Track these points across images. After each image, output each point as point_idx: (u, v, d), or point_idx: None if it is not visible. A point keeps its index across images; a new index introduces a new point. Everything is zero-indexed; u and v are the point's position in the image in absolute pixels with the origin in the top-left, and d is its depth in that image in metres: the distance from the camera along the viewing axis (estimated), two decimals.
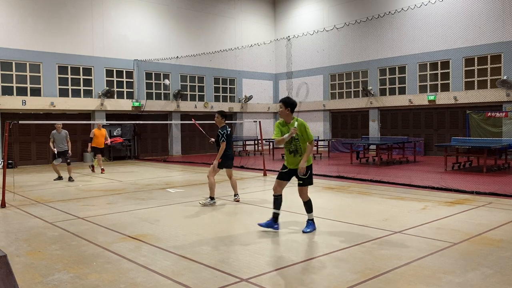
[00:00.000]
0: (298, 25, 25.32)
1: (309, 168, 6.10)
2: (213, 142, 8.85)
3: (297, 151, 6.12)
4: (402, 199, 8.82)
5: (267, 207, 8.22)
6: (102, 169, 14.86)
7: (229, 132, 8.47)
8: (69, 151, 12.99)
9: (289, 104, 6.06)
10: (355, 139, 21.16)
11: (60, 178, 13.02)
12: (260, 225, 6.33)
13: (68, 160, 12.91)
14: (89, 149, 14.69)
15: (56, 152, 12.89)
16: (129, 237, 6.12)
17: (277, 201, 6.34)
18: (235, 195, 8.92)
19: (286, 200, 8.76)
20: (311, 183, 6.22)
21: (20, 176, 14.14)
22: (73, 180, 12.77)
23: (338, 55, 23.39)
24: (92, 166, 15.19)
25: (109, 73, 20.66)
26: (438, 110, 19.94)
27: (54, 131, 12.87)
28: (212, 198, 8.47)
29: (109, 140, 15.40)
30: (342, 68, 23.39)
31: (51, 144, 12.93)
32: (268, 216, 6.54)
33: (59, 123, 12.92)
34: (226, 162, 8.51)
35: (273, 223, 6.32)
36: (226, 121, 8.70)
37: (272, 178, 12.56)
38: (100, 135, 14.80)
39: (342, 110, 23.83)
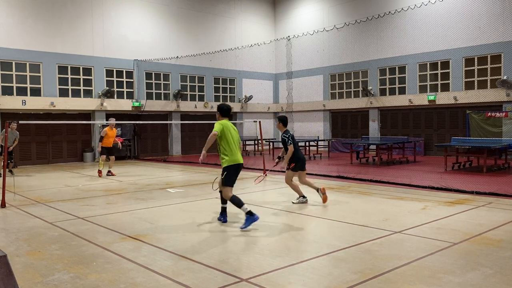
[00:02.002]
0: (298, 25, 25.32)
1: (225, 169, 6.55)
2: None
3: (219, 150, 6.69)
4: (402, 199, 8.82)
5: (267, 207, 8.24)
6: (109, 171, 13.91)
7: (293, 135, 8.41)
8: (10, 148, 13.90)
9: (218, 108, 6.90)
10: (355, 139, 21.16)
11: (10, 171, 14.26)
12: (243, 227, 6.40)
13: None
14: (99, 148, 13.78)
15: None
16: (129, 237, 6.12)
17: (235, 201, 6.57)
18: (303, 197, 8.65)
19: (284, 200, 8.78)
20: (224, 183, 6.60)
21: (20, 176, 14.14)
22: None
23: (338, 55, 23.38)
24: (99, 171, 13.68)
25: (109, 73, 20.66)
26: (438, 110, 19.94)
27: (9, 129, 13.35)
28: (302, 196, 8.47)
29: (119, 141, 14.51)
30: (342, 68, 23.39)
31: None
32: (266, 216, 6.51)
33: (14, 124, 13.64)
34: (302, 164, 8.38)
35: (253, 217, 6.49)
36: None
37: (273, 178, 12.56)
38: (112, 135, 13.95)
39: (342, 110, 23.83)
